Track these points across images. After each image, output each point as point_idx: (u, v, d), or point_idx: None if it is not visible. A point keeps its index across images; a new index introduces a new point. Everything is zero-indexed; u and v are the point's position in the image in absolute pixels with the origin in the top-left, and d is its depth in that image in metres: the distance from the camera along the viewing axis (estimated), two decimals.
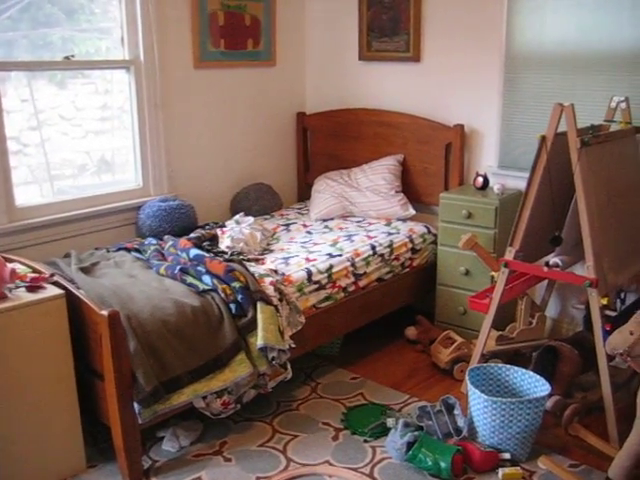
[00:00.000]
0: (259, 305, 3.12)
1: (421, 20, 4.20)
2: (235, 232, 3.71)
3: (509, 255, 3.23)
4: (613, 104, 3.37)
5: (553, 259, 3.17)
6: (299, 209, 4.61)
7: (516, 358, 3.72)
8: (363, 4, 4.39)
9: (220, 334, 3.02)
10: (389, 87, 4.45)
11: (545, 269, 3.12)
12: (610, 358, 2.93)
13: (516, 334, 3.66)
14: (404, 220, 4.27)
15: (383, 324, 4.13)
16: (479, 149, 4.16)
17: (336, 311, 3.60)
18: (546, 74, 3.76)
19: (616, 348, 2.62)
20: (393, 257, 3.92)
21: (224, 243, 3.62)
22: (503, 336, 3.64)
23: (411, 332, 4.08)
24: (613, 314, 3.20)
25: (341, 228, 4.17)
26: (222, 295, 3.10)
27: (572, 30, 3.63)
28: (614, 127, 3.39)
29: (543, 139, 3.02)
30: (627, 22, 3.45)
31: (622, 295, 3.39)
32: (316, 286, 3.49)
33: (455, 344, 3.68)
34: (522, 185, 3.92)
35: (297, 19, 4.74)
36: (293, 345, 3.22)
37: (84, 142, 3.86)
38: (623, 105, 3.34)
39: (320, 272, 3.52)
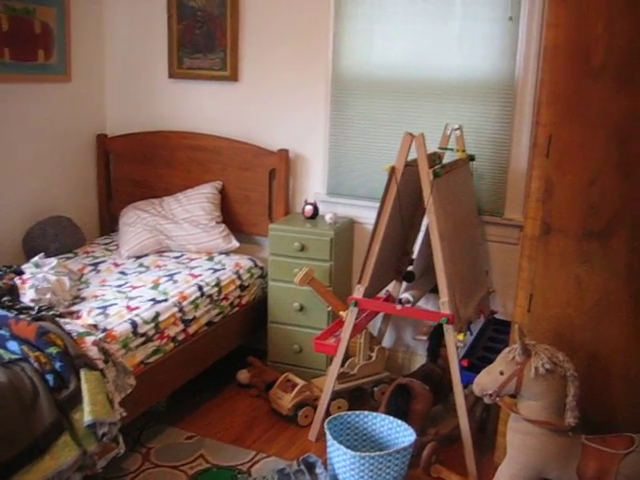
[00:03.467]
0: (83, 372, 2.59)
1: (239, 37, 3.89)
2: (39, 280, 3.12)
3: (358, 293, 3.03)
4: (448, 131, 3.33)
5: (404, 295, 3.03)
6: (106, 244, 4.06)
7: (357, 394, 3.56)
8: (173, 16, 3.97)
9: (35, 414, 2.45)
10: (205, 108, 4.08)
11: (398, 307, 2.97)
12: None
13: (357, 370, 3.49)
14: (227, 253, 3.93)
15: (211, 369, 3.75)
16: (305, 175, 3.94)
17: (166, 364, 3.16)
18: (375, 99, 3.64)
19: (486, 389, 2.52)
20: (222, 297, 3.57)
21: (27, 295, 3.02)
22: (344, 373, 3.45)
23: (243, 376, 3.75)
24: (460, 345, 3.14)
25: (159, 266, 3.72)
26: (35, 365, 2.53)
27: (401, 56, 3.54)
28: (448, 154, 3.36)
29: (392, 170, 2.86)
30: (455, 51, 3.43)
31: (469, 326, 3.34)
32: (143, 339, 3.03)
33: (297, 388, 3.41)
34: (353, 213, 3.82)
35: (96, 29, 4.19)
36: (124, 413, 2.75)
37: None
38: (457, 133, 3.31)
39: (146, 322, 3.07)
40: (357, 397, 3.57)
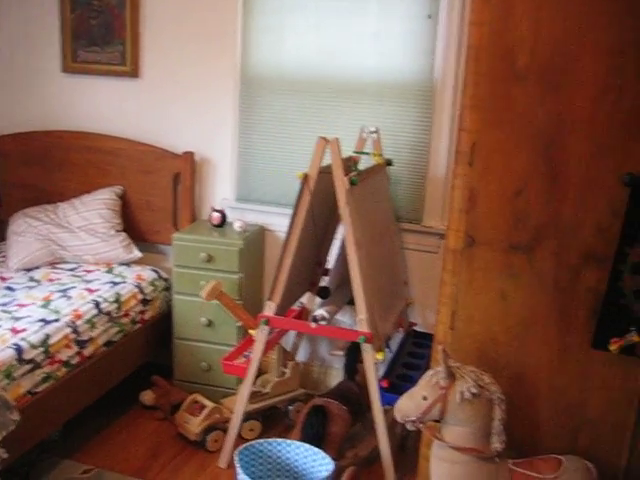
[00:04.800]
0: None
1: (139, 29, 3.57)
2: None
3: (269, 310, 2.81)
4: (364, 134, 3.14)
5: (319, 312, 2.82)
6: None
7: (271, 414, 3.34)
8: (66, 4, 3.61)
9: None
10: (103, 106, 3.74)
11: (313, 325, 2.75)
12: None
13: (270, 388, 3.27)
14: (128, 264, 3.62)
15: (112, 390, 3.43)
16: (213, 180, 3.67)
17: (58, 393, 2.84)
18: (287, 99, 3.41)
19: (408, 415, 2.33)
20: (122, 313, 3.26)
21: None
22: (256, 392, 3.22)
23: (148, 397, 3.46)
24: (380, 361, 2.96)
25: (52, 280, 3.37)
26: None
27: (314, 53, 3.33)
28: (364, 158, 3.17)
29: (305, 178, 2.65)
30: (372, 49, 3.24)
31: (388, 342, 3.17)
32: (30, 366, 2.70)
33: (205, 411, 3.16)
34: (264, 220, 3.59)
35: None
36: (5, 455, 2.42)
37: None
38: (374, 136, 3.12)
39: (33, 347, 2.74)
40: (271, 417, 3.35)
